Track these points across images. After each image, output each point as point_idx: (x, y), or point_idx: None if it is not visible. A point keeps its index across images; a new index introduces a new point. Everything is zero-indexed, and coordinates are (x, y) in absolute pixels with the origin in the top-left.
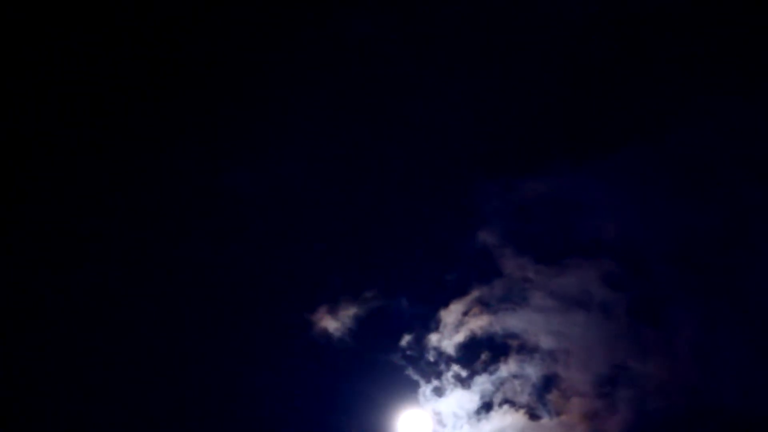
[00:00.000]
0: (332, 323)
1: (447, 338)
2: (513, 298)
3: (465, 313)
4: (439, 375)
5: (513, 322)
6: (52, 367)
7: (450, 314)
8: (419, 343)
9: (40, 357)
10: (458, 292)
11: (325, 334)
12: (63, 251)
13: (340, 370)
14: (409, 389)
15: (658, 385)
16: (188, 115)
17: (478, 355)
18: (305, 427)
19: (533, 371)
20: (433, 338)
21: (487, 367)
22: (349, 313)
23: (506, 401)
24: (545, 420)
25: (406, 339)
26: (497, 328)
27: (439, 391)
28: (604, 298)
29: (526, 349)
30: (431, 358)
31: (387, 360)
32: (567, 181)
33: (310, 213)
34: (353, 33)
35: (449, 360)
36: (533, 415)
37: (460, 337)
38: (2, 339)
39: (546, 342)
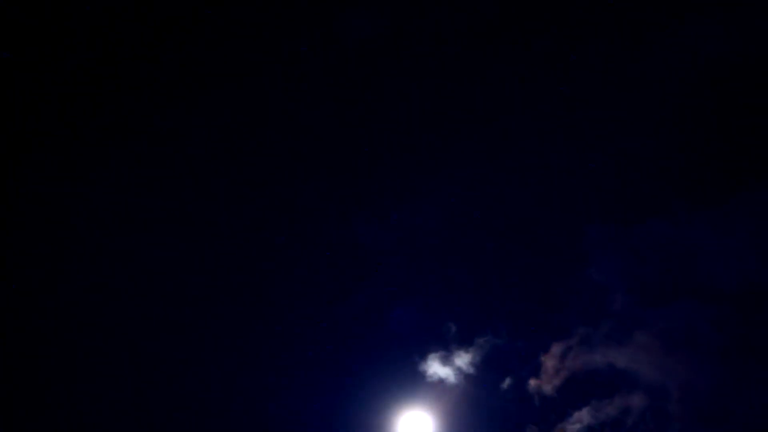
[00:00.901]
0: (443, 369)
1: (547, 382)
2: (618, 338)
3: (566, 355)
4: (544, 416)
5: (616, 360)
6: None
7: (551, 357)
8: (521, 387)
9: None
10: (561, 334)
11: (438, 381)
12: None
13: (451, 415)
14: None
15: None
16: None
17: (578, 392)
18: None
19: (635, 407)
20: (533, 382)
21: (589, 402)
22: (461, 359)
23: None
24: None
25: (507, 382)
26: (600, 365)
27: None
28: (715, 339)
29: (629, 386)
30: (536, 403)
31: (491, 404)
32: (683, 227)
33: (427, 262)
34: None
35: (552, 401)
36: None
37: (560, 378)
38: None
39: (650, 379)
